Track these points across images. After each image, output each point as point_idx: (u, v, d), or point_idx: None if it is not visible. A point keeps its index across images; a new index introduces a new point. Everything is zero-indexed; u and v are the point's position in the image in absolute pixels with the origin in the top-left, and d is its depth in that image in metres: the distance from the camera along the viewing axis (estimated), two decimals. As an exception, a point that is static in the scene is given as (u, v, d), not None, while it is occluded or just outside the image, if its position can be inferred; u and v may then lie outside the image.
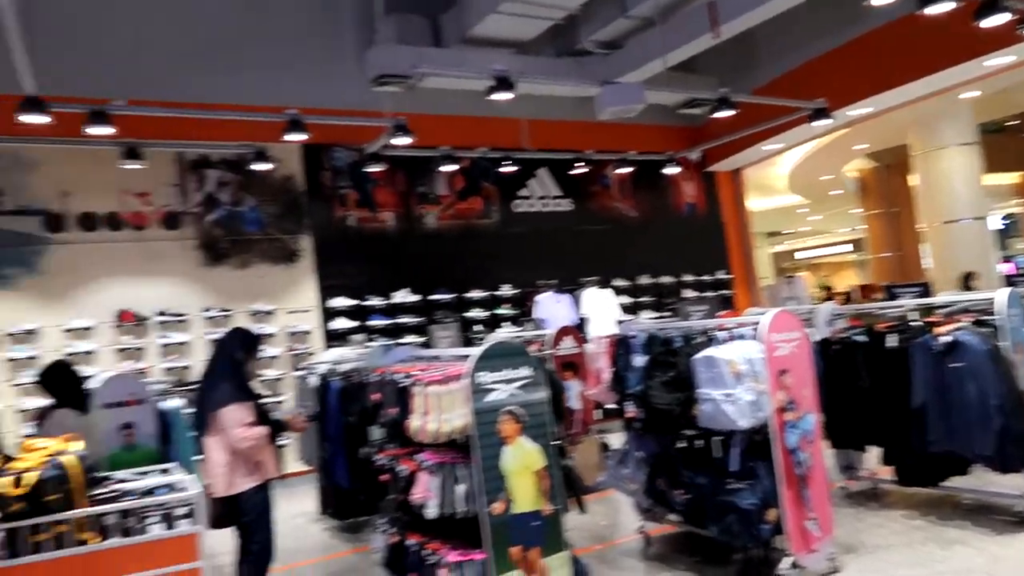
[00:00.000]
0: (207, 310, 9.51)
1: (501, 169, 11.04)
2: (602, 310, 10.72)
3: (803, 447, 4.55)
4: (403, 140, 8.72)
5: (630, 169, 12.30)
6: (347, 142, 10.33)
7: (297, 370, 9.34)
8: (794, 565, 4.53)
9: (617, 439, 6.45)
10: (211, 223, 9.72)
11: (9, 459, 3.27)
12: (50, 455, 3.23)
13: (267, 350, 9.49)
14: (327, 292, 10.25)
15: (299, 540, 6.78)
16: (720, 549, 5.06)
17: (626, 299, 12.10)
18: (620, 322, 9.50)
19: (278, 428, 4.54)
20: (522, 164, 11.26)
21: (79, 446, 3.43)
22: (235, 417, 4.24)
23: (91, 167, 8.94)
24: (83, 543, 3.17)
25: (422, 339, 10.22)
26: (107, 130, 7.32)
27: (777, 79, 11.71)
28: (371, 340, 9.01)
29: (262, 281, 9.89)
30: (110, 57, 8.90)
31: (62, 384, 5.35)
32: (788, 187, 18.47)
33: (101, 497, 3.39)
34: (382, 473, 4.62)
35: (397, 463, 4.44)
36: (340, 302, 10.27)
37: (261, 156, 9.23)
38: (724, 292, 13.29)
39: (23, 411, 8.27)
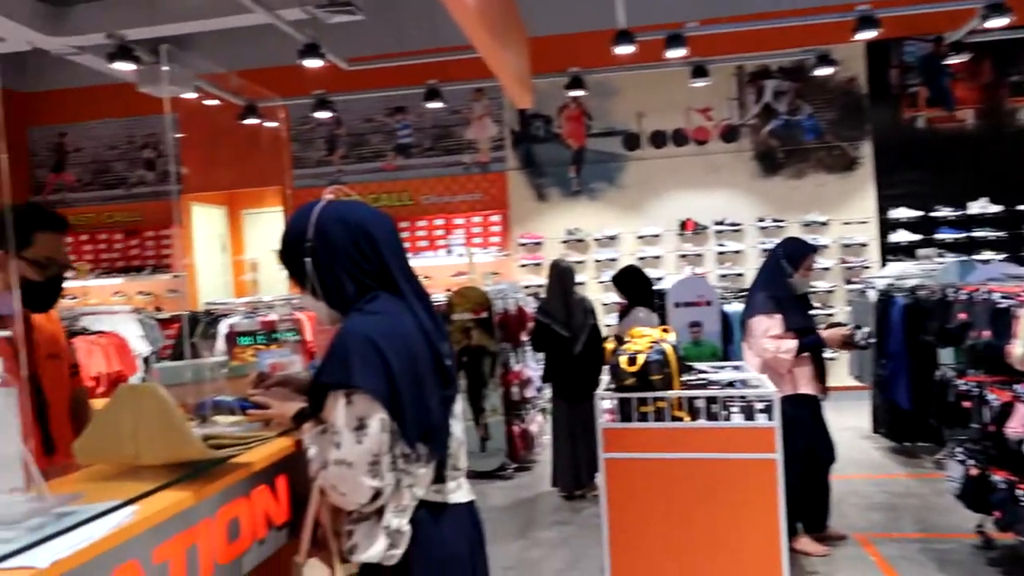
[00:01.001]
0: (761, 220, 9.77)
1: None
2: None
3: None
4: (998, 22, 7.40)
5: None
6: (920, 33, 9.25)
7: (850, 283, 9.03)
8: None
9: None
10: (767, 134, 9.86)
11: (622, 342, 3.93)
12: (653, 342, 3.79)
13: (819, 262, 9.36)
14: (887, 202, 9.54)
15: (850, 453, 6.70)
16: None
17: None
18: None
19: (815, 345, 4.44)
20: None
21: (673, 337, 3.93)
22: (761, 327, 4.37)
23: (662, 88, 9.80)
24: (677, 419, 3.67)
25: (1002, 256, 8.84)
26: (681, 52, 7.89)
27: None
28: (941, 255, 8.13)
29: (818, 191, 9.71)
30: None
31: (633, 285, 6.16)
32: None
33: (691, 383, 3.86)
34: (963, 399, 4.23)
35: (986, 390, 4.00)
36: (901, 213, 9.48)
37: (824, 60, 8.85)
38: None
39: (605, 304, 9.79)
